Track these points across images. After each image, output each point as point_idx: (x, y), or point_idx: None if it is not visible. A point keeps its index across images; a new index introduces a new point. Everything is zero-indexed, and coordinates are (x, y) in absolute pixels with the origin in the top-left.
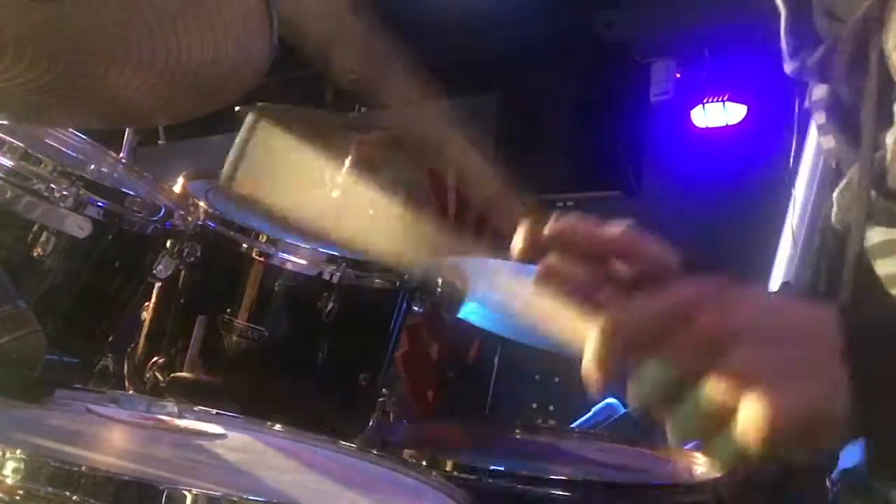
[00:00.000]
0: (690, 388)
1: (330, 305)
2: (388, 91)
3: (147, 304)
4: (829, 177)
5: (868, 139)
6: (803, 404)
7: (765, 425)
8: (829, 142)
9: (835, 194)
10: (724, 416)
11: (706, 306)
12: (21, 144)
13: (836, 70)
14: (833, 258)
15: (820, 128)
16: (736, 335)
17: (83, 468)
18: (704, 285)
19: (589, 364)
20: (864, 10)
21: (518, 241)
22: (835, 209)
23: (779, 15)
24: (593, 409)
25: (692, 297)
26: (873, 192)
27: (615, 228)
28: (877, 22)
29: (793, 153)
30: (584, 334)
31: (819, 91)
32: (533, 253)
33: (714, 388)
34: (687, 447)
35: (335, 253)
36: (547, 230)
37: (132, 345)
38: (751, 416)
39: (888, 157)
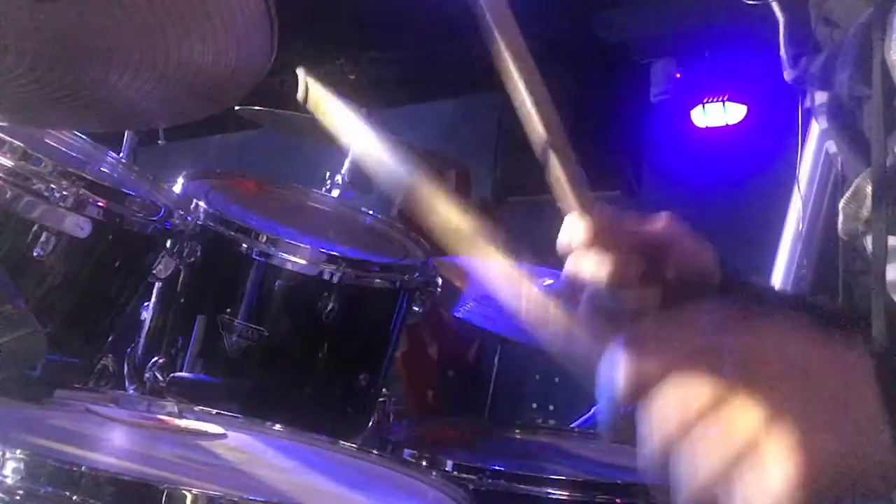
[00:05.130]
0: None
1: (330, 305)
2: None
3: (147, 304)
4: (831, 179)
5: (878, 150)
6: (833, 448)
7: (793, 472)
8: (833, 146)
9: (840, 204)
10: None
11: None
12: (21, 144)
13: (838, 77)
14: (847, 265)
15: (823, 132)
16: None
17: (83, 468)
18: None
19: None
20: (866, 17)
21: (571, 234)
22: (841, 218)
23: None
24: (593, 409)
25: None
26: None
27: (657, 222)
28: (879, 30)
29: (799, 154)
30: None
31: (820, 96)
32: (587, 245)
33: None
34: None
35: (335, 253)
36: (596, 222)
37: (132, 345)
38: (777, 464)
39: None
